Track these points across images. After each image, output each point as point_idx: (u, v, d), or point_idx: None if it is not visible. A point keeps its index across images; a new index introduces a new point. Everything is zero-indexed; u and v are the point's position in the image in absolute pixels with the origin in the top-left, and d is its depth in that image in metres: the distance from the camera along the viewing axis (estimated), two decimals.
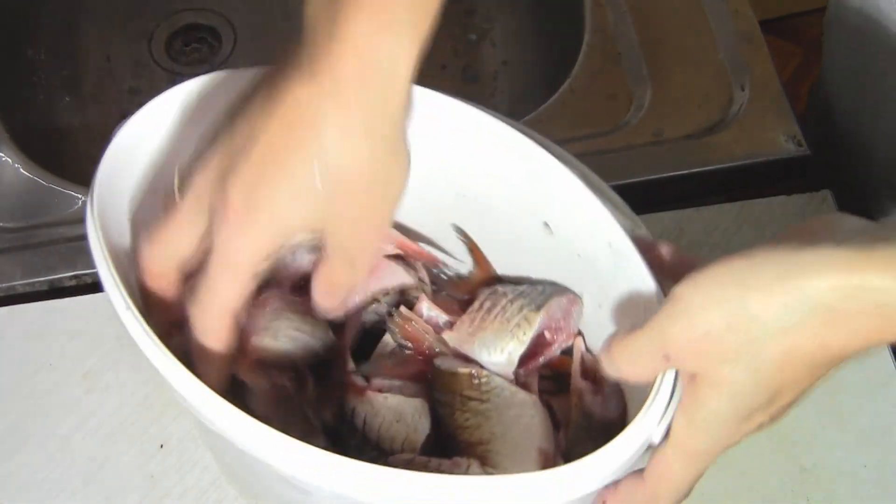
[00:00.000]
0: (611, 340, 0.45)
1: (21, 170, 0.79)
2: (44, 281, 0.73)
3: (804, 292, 0.39)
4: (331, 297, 0.49)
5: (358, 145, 0.44)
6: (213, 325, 0.47)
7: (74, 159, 0.91)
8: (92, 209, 0.49)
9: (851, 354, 0.40)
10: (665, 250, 0.50)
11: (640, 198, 0.76)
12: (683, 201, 0.76)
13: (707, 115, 0.80)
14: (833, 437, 0.65)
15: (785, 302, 0.39)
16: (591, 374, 0.54)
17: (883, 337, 0.39)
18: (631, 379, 0.45)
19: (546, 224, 0.55)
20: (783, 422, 0.45)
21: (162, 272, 0.49)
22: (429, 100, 0.55)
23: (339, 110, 0.43)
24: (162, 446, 0.65)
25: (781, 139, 0.77)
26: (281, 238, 0.46)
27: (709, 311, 0.41)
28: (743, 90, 0.80)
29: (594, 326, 0.55)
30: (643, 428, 0.44)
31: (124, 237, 0.52)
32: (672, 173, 0.77)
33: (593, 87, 0.83)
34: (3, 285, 0.73)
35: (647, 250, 0.50)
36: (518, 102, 0.96)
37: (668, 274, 0.49)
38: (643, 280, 0.49)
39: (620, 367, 0.45)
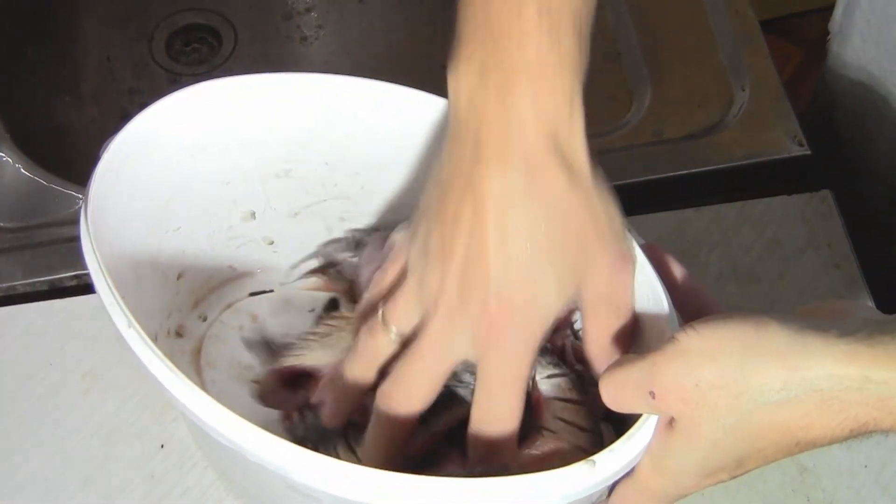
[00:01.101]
0: (610, 365, 0.46)
1: (21, 170, 0.79)
2: (44, 281, 0.73)
3: (804, 373, 0.39)
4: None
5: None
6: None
7: (74, 159, 0.91)
8: (87, 227, 0.48)
9: (829, 443, 0.41)
10: (677, 270, 0.50)
11: (640, 198, 0.76)
12: (683, 201, 0.76)
13: (707, 115, 0.80)
14: None
15: (784, 378, 0.40)
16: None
17: (879, 427, 0.40)
18: (612, 406, 0.45)
19: None
20: None
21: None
22: (419, 101, 0.54)
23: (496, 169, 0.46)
24: (162, 446, 0.65)
25: (782, 139, 0.77)
26: None
27: (705, 364, 0.41)
28: (743, 90, 0.80)
29: None
30: (647, 430, 0.44)
31: (123, 245, 0.52)
32: (672, 173, 0.77)
33: (593, 87, 0.82)
34: (3, 285, 0.73)
35: (658, 264, 0.50)
36: None
37: (676, 296, 0.49)
38: (643, 272, 0.49)
39: (606, 391, 0.45)
